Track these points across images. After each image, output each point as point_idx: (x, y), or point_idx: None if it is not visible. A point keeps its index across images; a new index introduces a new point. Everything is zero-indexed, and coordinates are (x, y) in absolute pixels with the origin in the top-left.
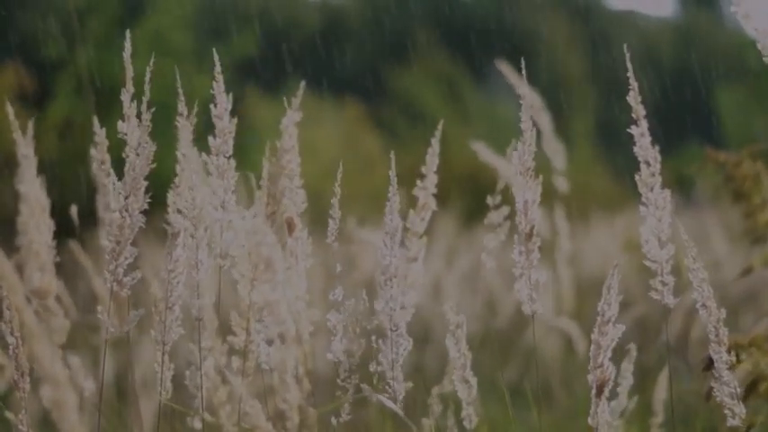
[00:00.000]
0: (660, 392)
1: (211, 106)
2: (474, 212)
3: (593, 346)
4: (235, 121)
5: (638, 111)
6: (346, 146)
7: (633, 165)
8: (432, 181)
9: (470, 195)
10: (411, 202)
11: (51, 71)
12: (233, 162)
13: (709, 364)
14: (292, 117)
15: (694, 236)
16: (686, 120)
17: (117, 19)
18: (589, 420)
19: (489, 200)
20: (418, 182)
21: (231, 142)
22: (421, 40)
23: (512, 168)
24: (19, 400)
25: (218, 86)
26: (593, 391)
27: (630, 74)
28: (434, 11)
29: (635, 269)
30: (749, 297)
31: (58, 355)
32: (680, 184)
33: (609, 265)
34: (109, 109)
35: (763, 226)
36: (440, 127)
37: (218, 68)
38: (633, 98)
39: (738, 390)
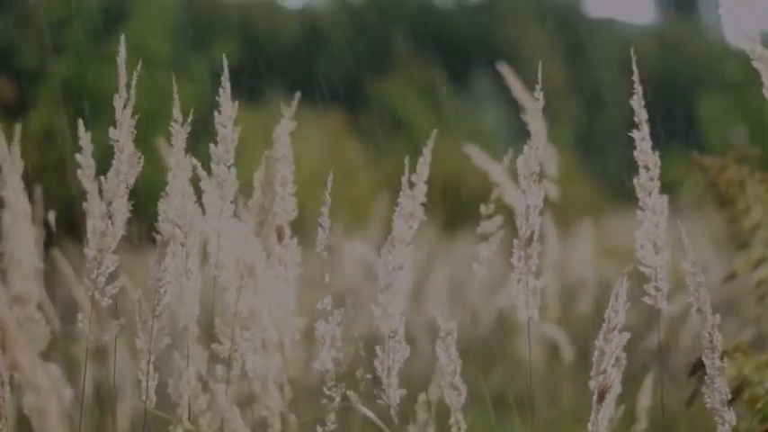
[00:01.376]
0: (643, 399)
1: (215, 113)
2: (455, 220)
3: (596, 353)
4: (238, 129)
5: (641, 114)
6: (328, 155)
7: (612, 172)
8: (421, 190)
9: (450, 203)
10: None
11: (31, 81)
12: (233, 171)
13: (695, 370)
14: (286, 126)
15: (677, 241)
16: (665, 126)
17: (96, 28)
18: (589, 426)
19: (483, 208)
20: (407, 190)
21: (233, 151)
22: (401, 48)
23: (503, 174)
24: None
25: (225, 93)
26: (595, 397)
27: (636, 77)
28: (415, 19)
29: (617, 275)
30: (732, 303)
31: (39, 362)
32: (661, 190)
33: (589, 271)
34: (87, 118)
35: (748, 231)
36: (433, 136)
37: (226, 74)
38: (636, 102)
39: (729, 396)
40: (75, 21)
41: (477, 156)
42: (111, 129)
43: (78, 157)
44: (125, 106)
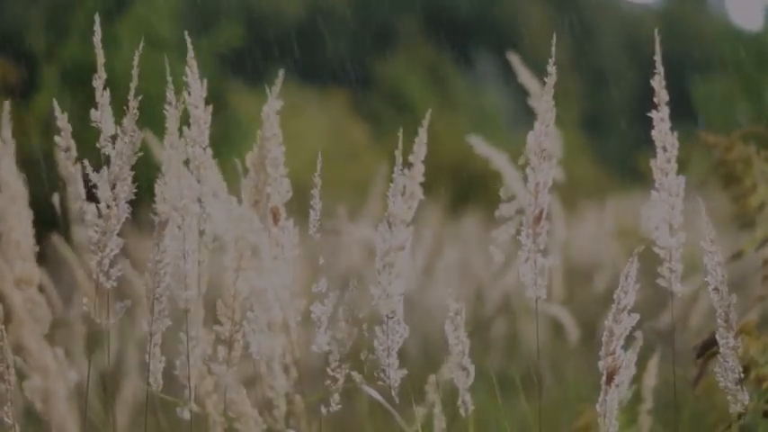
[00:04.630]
0: (649, 380)
1: (185, 94)
2: (460, 201)
3: (605, 333)
4: (210, 109)
5: (661, 95)
6: (332, 135)
7: (615, 152)
8: (419, 170)
9: (456, 184)
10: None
11: (37, 63)
12: (209, 152)
13: (702, 351)
14: (273, 105)
15: (687, 221)
16: (669, 106)
17: (103, 10)
18: (597, 407)
19: (502, 192)
20: (405, 171)
21: (207, 132)
22: (405, 28)
23: (505, 161)
24: (4, 392)
25: (192, 73)
26: (604, 378)
27: (658, 57)
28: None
29: (625, 256)
30: (737, 283)
31: (46, 345)
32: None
33: (595, 251)
34: (94, 100)
35: (754, 210)
36: (427, 116)
37: (190, 53)
38: (657, 82)
39: (742, 375)
40: (81, 3)
41: (480, 145)
42: (93, 110)
43: (57, 139)
44: (105, 87)
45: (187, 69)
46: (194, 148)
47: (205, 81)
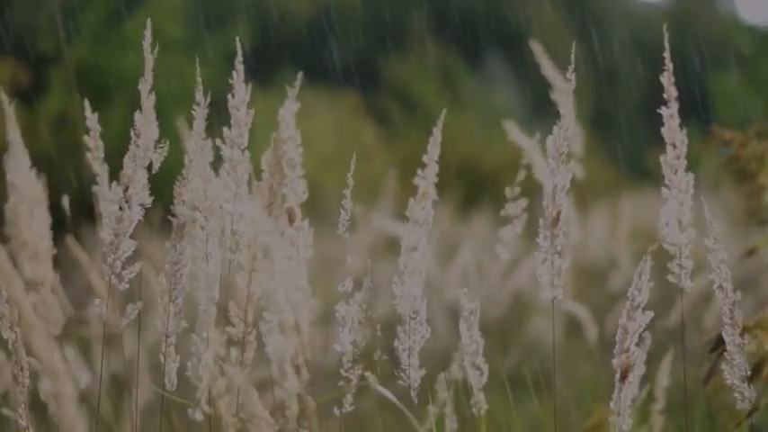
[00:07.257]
0: (662, 379)
1: (229, 96)
2: (469, 201)
3: (620, 331)
4: (252, 112)
5: (670, 92)
6: (342, 136)
7: (624, 150)
8: (432, 170)
9: (465, 184)
10: (409, 190)
11: (46, 65)
12: (247, 154)
13: (716, 346)
14: (290, 107)
15: (697, 219)
16: (679, 105)
17: (112, 12)
18: (611, 405)
19: (508, 191)
20: (419, 171)
21: (246, 134)
22: (415, 28)
23: (536, 151)
24: (18, 395)
25: (238, 76)
26: (618, 376)
27: (667, 54)
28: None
29: (636, 255)
30: (749, 280)
31: (56, 347)
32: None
33: (605, 250)
34: (103, 102)
35: (767, 206)
36: (442, 116)
37: (239, 57)
38: (666, 79)
39: (749, 373)
40: (90, 5)
41: (513, 131)
42: (137, 114)
43: (86, 139)
44: (150, 91)
45: (234, 73)
46: (233, 149)
47: (250, 86)
